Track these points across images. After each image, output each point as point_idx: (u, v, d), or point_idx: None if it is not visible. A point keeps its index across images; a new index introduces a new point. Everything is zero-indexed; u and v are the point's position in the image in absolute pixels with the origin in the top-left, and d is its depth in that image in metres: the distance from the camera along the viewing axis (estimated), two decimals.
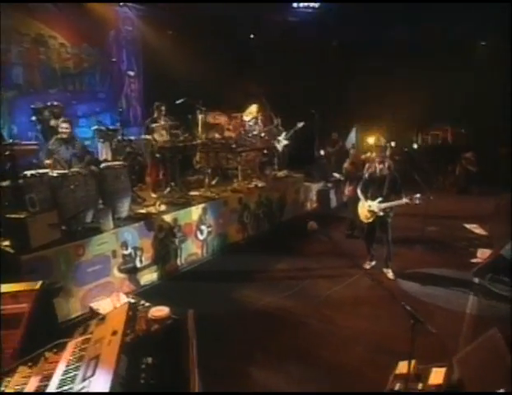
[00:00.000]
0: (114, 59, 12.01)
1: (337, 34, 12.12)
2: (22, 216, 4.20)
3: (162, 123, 6.54)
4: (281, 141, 8.48)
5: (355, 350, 3.75)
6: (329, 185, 9.08)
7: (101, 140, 6.16)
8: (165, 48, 12.32)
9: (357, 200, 5.84)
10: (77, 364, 2.02)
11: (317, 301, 4.66)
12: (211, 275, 5.68)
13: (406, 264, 5.60)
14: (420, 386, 3.01)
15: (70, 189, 4.73)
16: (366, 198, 5.47)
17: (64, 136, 5.11)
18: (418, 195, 5.11)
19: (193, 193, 6.66)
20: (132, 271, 5.18)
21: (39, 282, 3.19)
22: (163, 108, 6.72)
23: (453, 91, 11.60)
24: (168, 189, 6.41)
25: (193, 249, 6.06)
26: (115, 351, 1.95)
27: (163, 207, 5.76)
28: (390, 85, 11.44)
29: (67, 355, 2.18)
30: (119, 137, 6.03)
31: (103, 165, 5.19)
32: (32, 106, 5.98)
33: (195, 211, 6.08)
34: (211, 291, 5.01)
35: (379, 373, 3.25)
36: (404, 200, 5.12)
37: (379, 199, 5.27)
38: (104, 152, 5.99)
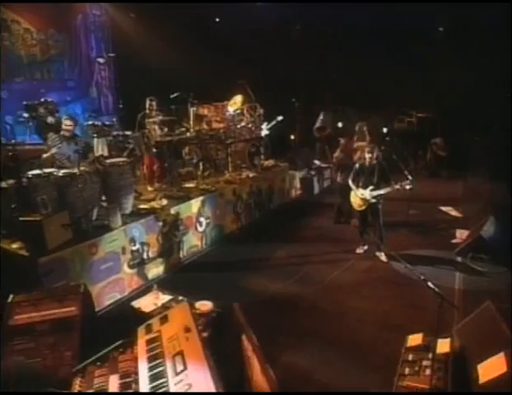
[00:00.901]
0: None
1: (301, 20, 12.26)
2: (38, 218, 4.22)
3: (156, 119, 6.59)
4: (263, 131, 8.74)
5: (364, 328, 4.16)
6: (312, 173, 9.46)
7: (95, 135, 6.12)
8: (136, 34, 12.07)
9: (347, 188, 6.25)
10: (159, 361, 2.24)
11: (321, 286, 5.02)
12: (214, 265, 5.90)
13: (394, 247, 6.05)
14: (430, 355, 3.45)
15: (78, 189, 4.77)
16: (358, 187, 5.87)
17: (67, 134, 5.09)
18: (408, 181, 5.59)
19: (188, 186, 6.81)
20: (140, 266, 5.31)
21: (82, 285, 3.33)
22: (154, 103, 6.74)
23: (417, 78, 12.26)
24: (165, 183, 6.50)
25: (193, 241, 6.24)
26: (199, 346, 2.18)
27: (165, 202, 5.88)
28: (357, 71, 11.90)
29: (141, 353, 2.37)
30: (115, 133, 6.02)
31: (107, 162, 5.22)
32: (24, 103, 5.82)
33: (194, 204, 6.24)
34: (218, 281, 5.25)
35: (390, 347, 3.68)
36: (395, 186, 5.58)
37: (371, 187, 5.68)
38: (99, 148, 5.98)
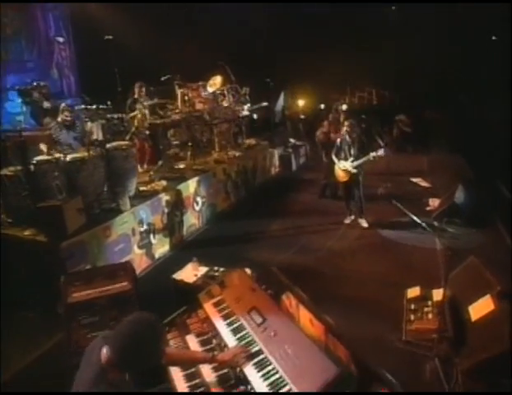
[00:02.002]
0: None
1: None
2: (58, 204, 4.31)
3: (146, 103, 6.65)
4: (244, 112, 9.00)
5: (367, 287, 4.70)
6: (289, 150, 9.91)
7: (87, 119, 6.11)
8: (98, 11, 11.61)
9: (331, 165, 6.79)
10: (234, 318, 2.59)
11: (321, 254, 5.52)
12: (214, 241, 6.21)
13: (378, 216, 6.70)
14: (429, 302, 4.08)
15: (88, 173, 4.86)
16: (340, 160, 6.42)
17: (67, 123, 5.11)
18: (382, 149, 6.22)
19: (180, 167, 7.00)
20: (148, 247, 5.53)
21: (128, 262, 3.57)
22: (143, 88, 6.79)
23: (375, 56, 12.95)
24: (159, 164, 6.63)
25: (192, 220, 6.51)
26: (270, 301, 2.57)
27: (164, 183, 6.07)
28: (317, 51, 12.36)
29: (213, 314, 2.71)
30: (109, 116, 6.05)
31: (110, 146, 5.30)
32: (17, 87, 5.66)
33: (191, 184, 6.47)
34: (223, 255, 5.54)
35: (393, 300, 4.27)
36: (371, 155, 6.16)
37: (351, 159, 6.28)
38: (94, 132, 5.98)
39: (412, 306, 4.12)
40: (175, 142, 7.77)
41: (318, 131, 7.81)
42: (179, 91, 7.29)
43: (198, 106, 7.98)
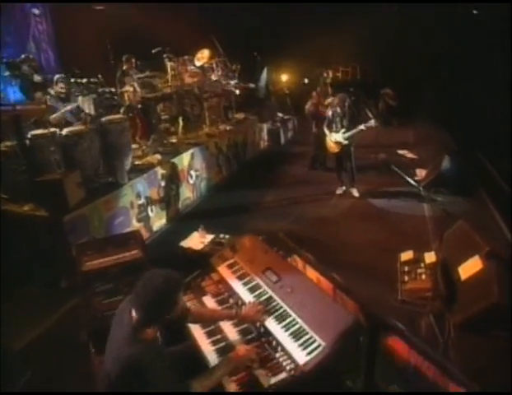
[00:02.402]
0: None
1: None
2: (59, 177, 4.31)
3: (135, 76, 6.55)
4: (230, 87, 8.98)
5: (363, 253, 4.90)
6: (278, 124, 9.96)
7: (77, 94, 6.00)
8: None
9: (321, 137, 6.93)
10: (250, 277, 2.74)
11: (317, 223, 5.71)
12: (210, 213, 6.29)
13: (368, 186, 6.90)
14: (422, 265, 4.32)
15: (86, 147, 4.84)
16: (331, 132, 6.54)
17: (62, 95, 5.02)
18: (372, 121, 6.36)
19: (172, 141, 6.99)
20: (146, 219, 5.58)
21: (138, 231, 3.64)
22: (133, 60, 6.67)
23: (359, 31, 12.97)
24: (152, 138, 6.60)
25: (186, 193, 6.57)
26: (283, 260, 2.72)
27: (159, 156, 6.08)
28: (302, 26, 12.30)
29: (228, 275, 2.85)
30: (100, 90, 5.96)
31: (105, 120, 5.26)
32: (5, 60, 5.48)
33: (185, 158, 6.50)
34: (219, 227, 5.67)
35: (388, 264, 4.49)
36: (362, 126, 6.27)
37: (343, 131, 6.40)
38: (86, 107, 5.90)
39: (406, 268, 4.35)
40: (165, 117, 7.72)
41: (308, 103, 7.88)
42: (168, 64, 7.19)
43: (188, 80, 7.90)
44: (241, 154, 8.49)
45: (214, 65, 8.56)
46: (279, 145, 9.85)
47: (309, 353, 2.06)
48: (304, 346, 2.11)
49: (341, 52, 14.45)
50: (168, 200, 6.03)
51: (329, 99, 7.78)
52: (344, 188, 6.83)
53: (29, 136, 4.68)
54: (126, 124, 5.42)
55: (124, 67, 6.66)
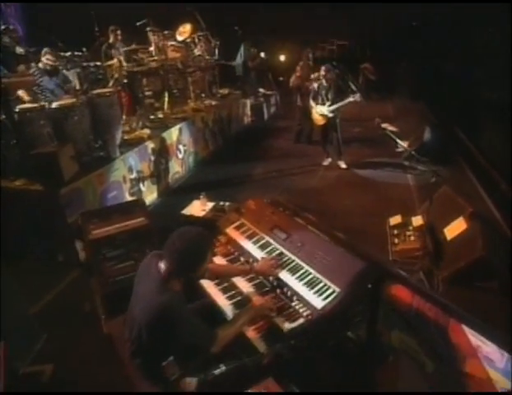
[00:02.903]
0: None
1: None
2: (54, 150, 4.26)
3: (121, 49, 6.42)
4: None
5: (353, 218, 5.11)
6: (261, 99, 9.99)
7: (61, 67, 5.84)
8: None
9: (306, 109, 7.05)
10: (260, 236, 2.87)
11: (306, 193, 5.87)
12: (200, 187, 6.26)
13: (353, 158, 7.11)
14: (410, 228, 4.57)
15: (77, 120, 4.77)
16: (317, 104, 6.64)
17: (48, 67, 4.89)
18: (357, 94, 6.51)
19: (158, 116, 6.94)
20: (138, 194, 5.58)
21: (140, 199, 3.69)
22: (119, 32, 6.51)
23: (337, 8, 13.05)
24: (139, 113, 6.54)
25: (175, 168, 6.58)
26: (291, 218, 2.86)
27: (148, 131, 6.05)
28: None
29: (237, 236, 2.97)
30: (84, 64, 5.82)
31: (94, 93, 5.18)
32: None
33: (174, 132, 6.48)
34: (212, 199, 5.79)
35: (377, 228, 4.72)
36: (348, 99, 6.40)
37: (328, 103, 6.51)
38: (71, 81, 5.76)
39: (395, 231, 4.59)
40: (148, 93, 7.59)
41: (292, 76, 7.93)
42: (152, 38, 7.05)
43: (171, 55, 7.77)
44: (226, 129, 8.51)
45: (196, 39, 8.44)
46: (263, 120, 9.91)
47: (324, 298, 2.22)
48: (320, 292, 2.26)
49: (319, 28, 14.46)
50: (158, 174, 6.04)
51: (316, 74, 7.84)
52: (330, 159, 7.00)
53: (16, 110, 4.58)
54: (115, 97, 5.35)
55: (110, 40, 6.50)
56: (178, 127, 6.57)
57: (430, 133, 6.86)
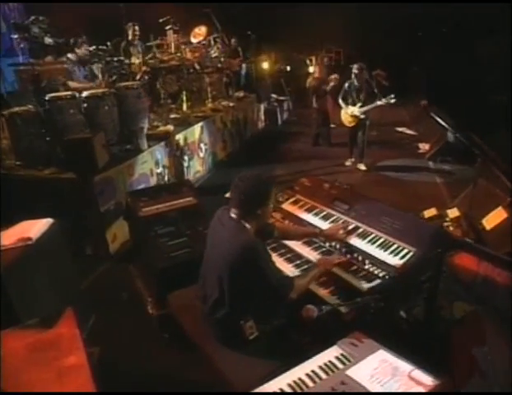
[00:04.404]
0: None
1: None
2: (88, 136, 4.37)
3: (139, 48, 6.64)
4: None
5: None
6: (275, 104, 10.24)
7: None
8: None
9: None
10: (319, 209, 2.99)
11: None
12: (222, 187, 6.43)
13: (374, 160, 7.28)
14: (447, 219, 4.71)
15: (108, 110, 4.91)
16: (348, 105, 6.68)
17: (85, 59, 5.06)
18: (392, 95, 6.54)
19: (177, 116, 7.09)
20: None
21: (188, 180, 3.79)
22: (137, 28, 6.73)
23: (340, 16, 13.53)
24: (161, 109, 6.68)
25: (197, 167, 6.70)
26: (346, 190, 3.03)
27: (171, 127, 6.18)
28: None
29: (295, 210, 3.10)
30: (108, 58, 6.00)
31: (122, 85, 5.34)
32: (12, 21, 5.41)
33: (196, 130, 6.64)
34: None
35: None
36: (379, 102, 6.44)
37: (359, 104, 6.54)
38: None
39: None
40: (164, 92, 7.73)
41: (309, 78, 8.17)
42: (172, 37, 7.28)
43: (189, 55, 8.01)
44: (243, 131, 8.69)
45: (212, 41, 8.70)
46: (276, 125, 10.12)
47: (401, 258, 2.33)
48: (395, 253, 2.38)
49: (324, 38, 14.94)
50: (181, 171, 6.16)
51: (333, 76, 8.11)
52: (353, 159, 7.15)
53: (46, 98, 4.70)
54: (141, 90, 5.51)
55: (129, 37, 6.71)
56: (200, 124, 6.72)
57: (453, 134, 7.07)
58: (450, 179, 6.29)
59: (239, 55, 9.54)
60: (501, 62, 9.92)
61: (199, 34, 8.84)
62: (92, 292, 3.85)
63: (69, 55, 5.14)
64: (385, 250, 2.42)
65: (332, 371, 1.77)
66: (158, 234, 3.19)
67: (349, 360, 1.84)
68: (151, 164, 5.37)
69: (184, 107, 7.35)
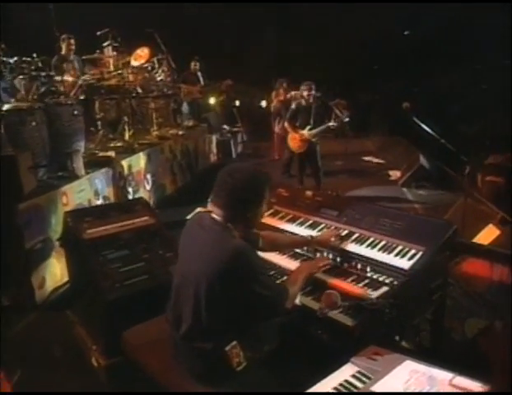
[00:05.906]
0: None
1: None
2: (11, 154, 4.04)
3: (76, 64, 6.50)
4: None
5: None
6: (228, 135, 10.30)
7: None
8: None
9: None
10: (303, 218, 2.96)
11: None
12: (173, 227, 6.20)
13: (343, 188, 7.33)
14: None
15: (36, 127, 4.63)
16: (295, 128, 6.57)
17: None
18: (345, 115, 6.74)
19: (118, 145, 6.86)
20: None
21: (142, 198, 3.56)
22: (72, 41, 6.59)
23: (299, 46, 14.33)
24: (99, 134, 6.42)
25: None
26: (334, 197, 2.92)
27: (113, 153, 5.93)
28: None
29: (276, 222, 3.06)
30: (34, 73, 5.74)
31: (52, 101, 5.10)
32: None
33: (142, 158, 6.44)
34: None
35: None
36: (330, 123, 6.46)
37: (309, 127, 6.43)
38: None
39: None
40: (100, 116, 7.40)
41: (274, 101, 8.33)
42: (112, 54, 7.20)
43: (130, 77, 7.92)
44: (194, 164, 8.58)
45: (156, 64, 8.71)
46: (231, 158, 10.11)
47: (409, 259, 2.25)
48: (402, 255, 2.29)
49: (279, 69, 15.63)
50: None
51: (292, 93, 8.20)
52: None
53: None
54: (79, 107, 5.31)
55: (63, 52, 6.53)
56: (146, 152, 6.55)
57: (426, 159, 7.41)
58: (429, 205, 6.49)
59: (199, 81, 9.58)
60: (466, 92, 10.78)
61: (141, 56, 8.80)
62: (16, 346, 3.45)
63: None
64: (389, 253, 2.34)
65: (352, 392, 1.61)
66: (107, 259, 2.91)
67: (369, 378, 1.69)
68: (89, 194, 5.06)
69: (126, 136, 7.13)
